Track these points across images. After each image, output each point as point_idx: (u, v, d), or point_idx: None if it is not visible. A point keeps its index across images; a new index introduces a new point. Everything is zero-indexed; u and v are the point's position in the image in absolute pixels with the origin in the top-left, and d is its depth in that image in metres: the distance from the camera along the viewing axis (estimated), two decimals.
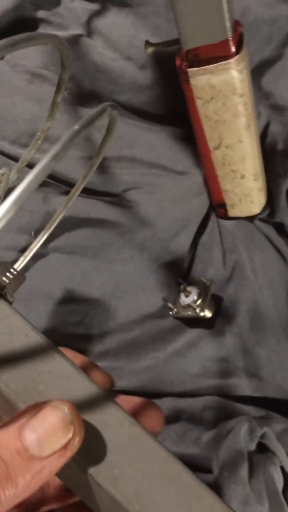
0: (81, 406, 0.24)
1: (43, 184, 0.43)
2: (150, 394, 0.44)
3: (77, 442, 0.21)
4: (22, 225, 0.41)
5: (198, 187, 0.49)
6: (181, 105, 0.45)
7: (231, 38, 0.38)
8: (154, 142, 0.47)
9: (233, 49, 0.38)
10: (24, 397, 0.24)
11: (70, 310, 0.42)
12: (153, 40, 0.45)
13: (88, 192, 0.44)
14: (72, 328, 0.42)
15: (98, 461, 0.23)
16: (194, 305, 0.46)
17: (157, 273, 0.47)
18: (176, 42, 0.38)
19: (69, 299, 0.43)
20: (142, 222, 0.45)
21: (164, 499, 0.22)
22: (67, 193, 0.44)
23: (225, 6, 0.36)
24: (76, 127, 0.22)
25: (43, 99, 0.43)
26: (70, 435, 0.21)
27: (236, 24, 0.38)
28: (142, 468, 0.23)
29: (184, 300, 0.47)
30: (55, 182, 0.44)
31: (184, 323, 0.48)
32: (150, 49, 0.41)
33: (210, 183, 0.49)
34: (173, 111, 0.48)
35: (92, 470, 0.23)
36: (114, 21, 0.46)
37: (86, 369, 0.28)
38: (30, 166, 0.43)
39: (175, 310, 0.47)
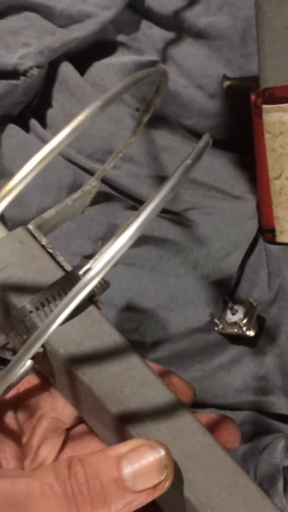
0: (160, 413, 0.26)
1: (113, 199, 0.46)
2: (194, 404, 0.46)
3: (167, 485, 0.23)
4: (90, 234, 0.44)
5: (251, 211, 0.52)
6: (243, 134, 0.48)
7: None
8: (215, 166, 0.50)
9: None
10: (112, 398, 0.26)
11: (127, 317, 0.45)
12: (224, 72, 0.48)
13: None
14: (128, 334, 0.45)
15: (175, 465, 0.25)
16: (240, 323, 0.49)
17: (206, 290, 0.50)
18: (254, 79, 0.41)
19: (127, 308, 0.45)
20: (199, 241, 0.48)
21: (232, 506, 0.24)
22: (133, 208, 0.47)
23: None
24: (189, 161, 0.25)
25: (119, 119, 0.46)
26: (163, 477, 0.22)
27: None
28: (213, 475, 0.25)
29: (230, 317, 0.50)
30: (123, 196, 0.46)
31: (228, 339, 0.50)
32: (227, 83, 0.44)
33: (263, 209, 0.52)
34: (235, 139, 0.51)
35: None
36: (189, 51, 0.49)
37: (168, 377, 0.30)
38: (104, 180, 0.46)
39: (220, 326, 0.50)
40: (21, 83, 0.43)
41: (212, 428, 0.28)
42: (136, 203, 0.46)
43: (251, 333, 0.50)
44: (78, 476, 0.22)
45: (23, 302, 0.26)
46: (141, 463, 0.22)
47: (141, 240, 0.46)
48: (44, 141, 0.45)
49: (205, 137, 0.28)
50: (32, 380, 0.29)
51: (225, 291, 0.52)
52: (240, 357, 0.49)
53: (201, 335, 0.49)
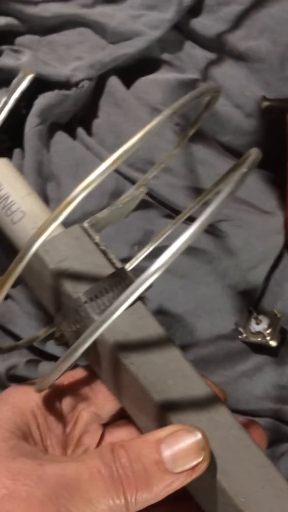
0: (199, 405, 0.28)
1: (150, 207, 0.49)
2: None
3: (204, 466, 0.24)
4: (128, 238, 0.47)
5: (279, 227, 0.54)
6: (276, 153, 0.50)
7: None
8: (248, 182, 0.52)
9: None
10: (157, 388, 0.27)
11: (157, 320, 0.47)
12: (262, 93, 0.50)
13: (187, 218, 0.49)
14: None
15: (212, 455, 0.26)
16: (264, 333, 0.50)
17: (233, 299, 0.52)
18: None
19: (157, 311, 0.48)
20: (229, 252, 0.50)
21: (264, 497, 0.25)
22: (169, 216, 0.49)
23: None
24: (245, 170, 0.27)
25: (161, 132, 0.48)
26: (200, 459, 0.24)
27: None
28: (246, 467, 0.26)
29: (254, 327, 0.52)
30: (160, 205, 0.49)
31: (251, 348, 0.52)
32: (266, 104, 0.46)
33: None
34: (268, 156, 0.53)
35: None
36: (229, 71, 0.51)
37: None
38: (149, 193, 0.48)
39: (244, 335, 0.52)
40: (72, 93, 0.45)
41: None
42: (172, 212, 0.49)
43: (273, 343, 0.52)
44: (122, 460, 0.23)
45: (78, 293, 0.28)
46: (179, 446, 0.24)
47: None
48: (89, 149, 0.48)
49: (254, 151, 0.30)
50: (76, 375, 0.31)
51: (251, 301, 0.54)
52: (262, 366, 0.50)
53: (225, 342, 0.51)
